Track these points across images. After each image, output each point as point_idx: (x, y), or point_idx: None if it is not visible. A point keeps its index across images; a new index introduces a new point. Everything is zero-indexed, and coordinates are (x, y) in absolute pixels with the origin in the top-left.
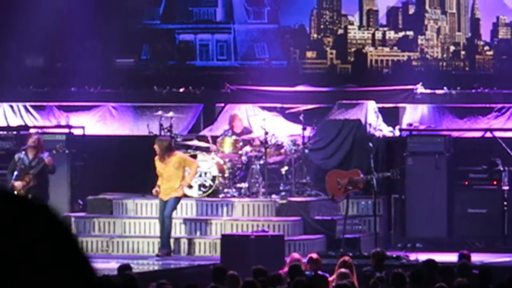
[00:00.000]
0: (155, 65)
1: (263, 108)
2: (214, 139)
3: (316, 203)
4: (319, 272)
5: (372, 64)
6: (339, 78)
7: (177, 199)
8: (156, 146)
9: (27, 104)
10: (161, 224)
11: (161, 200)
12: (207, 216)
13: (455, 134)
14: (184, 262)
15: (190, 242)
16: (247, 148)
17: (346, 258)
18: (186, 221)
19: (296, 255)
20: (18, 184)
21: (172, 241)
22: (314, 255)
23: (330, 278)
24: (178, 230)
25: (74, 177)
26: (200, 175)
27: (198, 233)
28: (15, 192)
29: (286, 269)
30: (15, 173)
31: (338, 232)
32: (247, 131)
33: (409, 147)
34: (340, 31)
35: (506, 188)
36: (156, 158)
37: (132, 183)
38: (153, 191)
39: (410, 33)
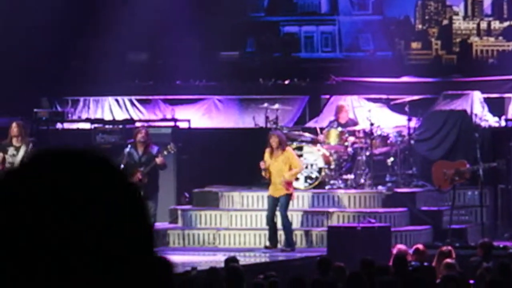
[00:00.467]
0: (260, 58)
1: (368, 99)
2: (320, 131)
3: (423, 193)
4: (425, 264)
5: (477, 54)
6: (444, 69)
7: (289, 196)
8: (272, 140)
9: (133, 98)
10: (280, 223)
11: (271, 196)
12: (313, 208)
13: None
14: (291, 254)
15: (298, 234)
16: (353, 139)
17: (445, 247)
18: (293, 213)
19: (402, 246)
20: None
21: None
22: (420, 246)
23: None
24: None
25: (180, 170)
26: (306, 167)
27: (305, 225)
28: None
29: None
30: (121, 166)
31: (444, 223)
32: (353, 122)
33: None
34: (445, 22)
35: None
36: (267, 150)
37: (238, 176)
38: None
39: None
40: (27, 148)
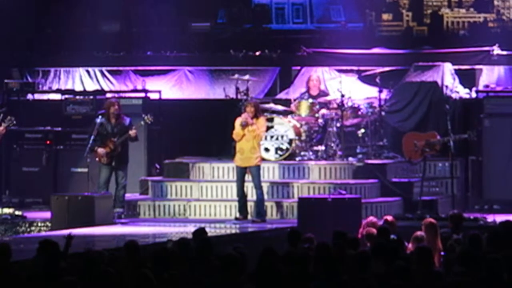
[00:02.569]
0: (231, 29)
1: (340, 71)
2: (290, 102)
3: (393, 165)
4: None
5: (448, 26)
6: (415, 40)
7: (259, 167)
8: (248, 108)
9: (103, 68)
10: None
11: (238, 167)
12: (284, 179)
13: None
14: (262, 225)
15: (269, 206)
16: (324, 111)
17: (432, 220)
18: (264, 184)
19: (372, 218)
20: (101, 150)
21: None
22: (389, 218)
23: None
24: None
25: (151, 141)
26: (277, 138)
27: (275, 196)
28: (97, 159)
29: (362, 231)
30: (92, 137)
31: (415, 195)
32: (324, 93)
33: (486, 109)
34: None
35: None
36: (238, 119)
37: (209, 147)
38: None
39: None
40: None
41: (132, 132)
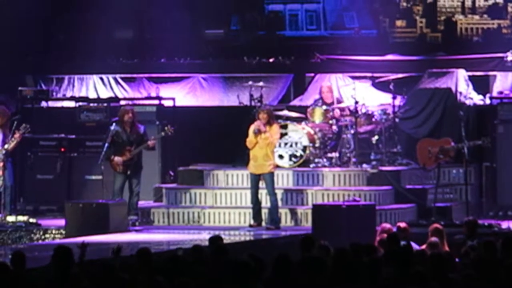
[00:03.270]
0: (245, 36)
1: (353, 77)
2: (305, 109)
3: (407, 172)
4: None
5: (462, 32)
6: (429, 47)
7: (272, 174)
8: (261, 115)
9: (117, 76)
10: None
11: (252, 174)
12: (298, 186)
13: None
14: (276, 232)
15: (283, 213)
16: (337, 117)
17: (437, 225)
18: (278, 191)
19: (387, 225)
20: (118, 159)
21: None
22: (402, 224)
23: (422, 247)
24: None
25: (165, 149)
26: (291, 145)
27: (289, 203)
28: (113, 167)
29: (377, 238)
30: (106, 145)
31: (429, 201)
32: (338, 101)
33: (499, 115)
34: (430, 0)
35: None
36: (252, 126)
37: (223, 154)
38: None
39: (499, 0)
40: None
41: (151, 143)
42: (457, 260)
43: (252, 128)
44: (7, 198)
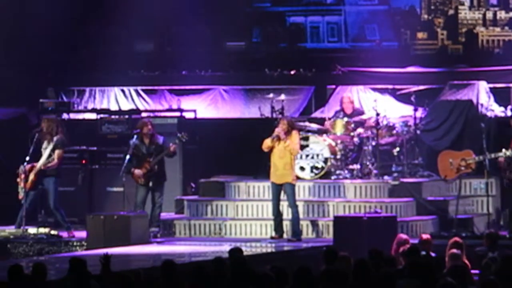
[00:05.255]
0: (266, 48)
1: (375, 89)
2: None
3: (429, 183)
4: (431, 253)
5: (483, 44)
6: (450, 59)
7: (293, 185)
8: (281, 124)
9: (139, 88)
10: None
11: (273, 183)
12: (319, 198)
13: None
14: (297, 244)
15: (304, 225)
16: (360, 130)
17: (457, 238)
18: (299, 203)
19: (403, 236)
20: (138, 172)
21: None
22: (425, 236)
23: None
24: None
25: (186, 161)
26: (312, 157)
27: (311, 215)
28: (135, 180)
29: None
30: (127, 157)
31: (450, 213)
32: (359, 112)
33: None
34: (451, 12)
35: None
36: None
37: (244, 166)
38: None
39: None
40: (56, 142)
41: (172, 147)
42: (478, 271)
43: (271, 137)
44: (57, 215)
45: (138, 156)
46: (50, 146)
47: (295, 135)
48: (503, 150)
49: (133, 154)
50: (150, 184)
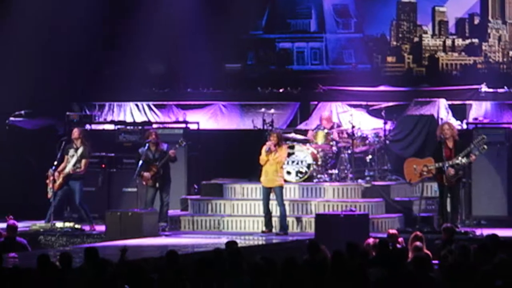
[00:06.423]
0: (259, 69)
1: (351, 105)
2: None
3: (396, 186)
4: (397, 246)
5: (443, 67)
6: (415, 80)
7: (282, 187)
8: (272, 137)
9: (150, 103)
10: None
11: (264, 187)
12: (303, 198)
13: None
14: (284, 237)
15: (290, 221)
16: (335, 134)
17: (419, 233)
18: (286, 202)
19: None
20: (147, 174)
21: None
22: (392, 231)
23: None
24: (278, 210)
25: (190, 165)
26: (297, 163)
27: (296, 212)
28: (144, 182)
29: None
30: (140, 162)
31: (414, 211)
32: (337, 126)
33: (475, 138)
34: (416, 39)
35: None
36: (264, 148)
37: (239, 170)
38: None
39: (475, 40)
40: (83, 152)
41: (171, 152)
42: (437, 261)
43: (264, 148)
44: (82, 211)
45: (146, 162)
46: (77, 154)
47: (284, 149)
48: (459, 158)
49: (144, 160)
50: (157, 185)
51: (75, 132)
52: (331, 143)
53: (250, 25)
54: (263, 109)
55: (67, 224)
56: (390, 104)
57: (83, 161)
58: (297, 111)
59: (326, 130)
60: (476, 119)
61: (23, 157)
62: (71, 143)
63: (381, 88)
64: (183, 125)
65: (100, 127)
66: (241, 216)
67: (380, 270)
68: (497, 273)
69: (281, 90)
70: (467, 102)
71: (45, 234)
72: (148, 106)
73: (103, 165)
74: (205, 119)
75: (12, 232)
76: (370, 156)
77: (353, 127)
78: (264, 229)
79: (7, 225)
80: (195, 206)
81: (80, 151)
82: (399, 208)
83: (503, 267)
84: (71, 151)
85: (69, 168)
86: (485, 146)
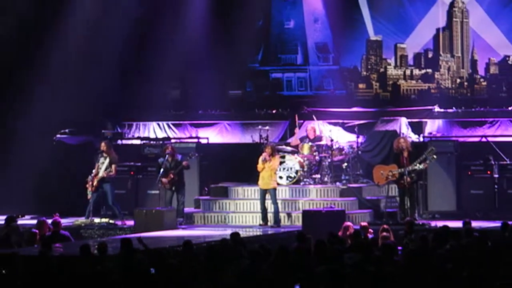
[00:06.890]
0: (256, 95)
1: (330, 123)
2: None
3: (367, 188)
4: (368, 235)
5: (404, 92)
6: (381, 102)
7: (275, 189)
8: (267, 149)
9: (169, 122)
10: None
11: (261, 189)
12: (292, 197)
13: (461, 139)
14: (278, 229)
15: (282, 216)
16: (317, 147)
17: (386, 225)
18: (279, 201)
19: (347, 223)
20: (165, 180)
21: (271, 215)
22: (363, 223)
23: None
24: (272, 207)
25: (202, 172)
26: (288, 170)
27: (287, 209)
28: (163, 185)
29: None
30: (161, 170)
31: (382, 208)
32: (319, 138)
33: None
34: (382, 70)
35: (496, 176)
36: (261, 157)
37: (241, 176)
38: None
39: (429, 70)
40: (111, 159)
41: (184, 163)
42: (400, 248)
43: (261, 158)
44: (114, 209)
45: (165, 170)
46: (107, 161)
47: (277, 159)
48: (417, 164)
49: (163, 169)
50: (173, 188)
51: (102, 145)
52: (314, 153)
53: (248, 59)
54: (259, 127)
55: (103, 220)
56: (362, 122)
57: (113, 166)
58: (287, 128)
59: (310, 143)
60: (430, 133)
61: (68, 167)
62: (101, 153)
63: (354, 109)
64: (196, 140)
65: (129, 142)
66: (242, 212)
67: (355, 255)
68: (449, 256)
69: (274, 111)
70: (423, 120)
71: (85, 228)
72: (167, 125)
73: (132, 172)
74: (213, 135)
75: (56, 226)
76: (346, 164)
77: (332, 140)
78: (261, 222)
79: (52, 221)
80: (205, 204)
81: (108, 158)
82: (369, 205)
83: (453, 251)
84: (101, 159)
85: (101, 173)
86: (435, 156)
